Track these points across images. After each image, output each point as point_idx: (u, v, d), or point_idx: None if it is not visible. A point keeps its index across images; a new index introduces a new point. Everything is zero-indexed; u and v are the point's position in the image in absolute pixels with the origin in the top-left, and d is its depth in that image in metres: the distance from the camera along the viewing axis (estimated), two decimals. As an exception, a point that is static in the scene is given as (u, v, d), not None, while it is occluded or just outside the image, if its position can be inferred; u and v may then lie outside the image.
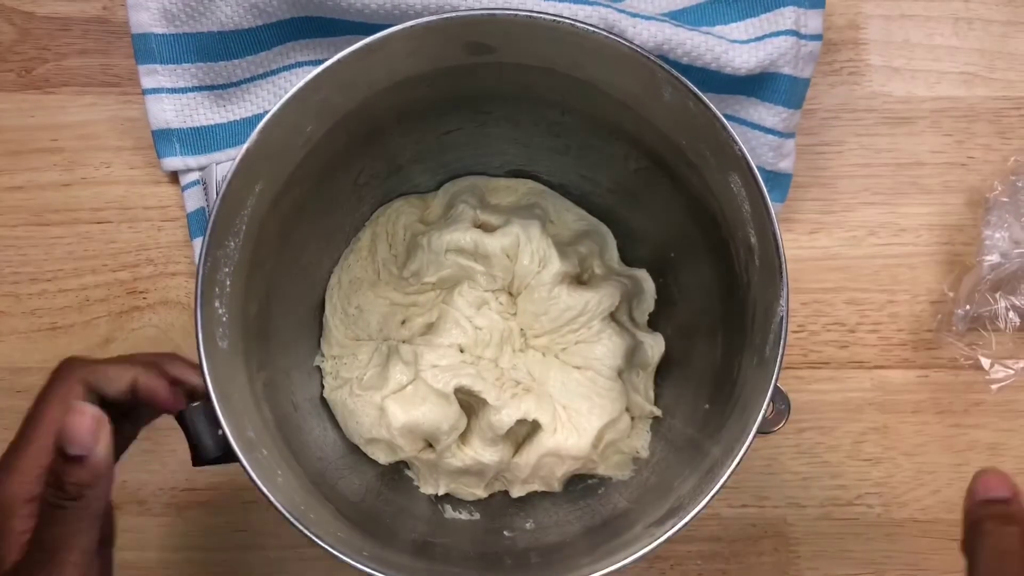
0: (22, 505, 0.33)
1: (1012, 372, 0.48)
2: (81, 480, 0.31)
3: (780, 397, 0.48)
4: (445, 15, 0.33)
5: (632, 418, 0.45)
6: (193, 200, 0.48)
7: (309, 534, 0.32)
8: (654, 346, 0.45)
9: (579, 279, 0.46)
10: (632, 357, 0.45)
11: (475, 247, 0.43)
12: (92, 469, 0.31)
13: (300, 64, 0.47)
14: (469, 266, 0.44)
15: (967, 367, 0.49)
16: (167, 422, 0.48)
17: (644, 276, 0.46)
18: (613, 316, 0.45)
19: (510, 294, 0.44)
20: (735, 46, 0.43)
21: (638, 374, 0.45)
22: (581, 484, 0.45)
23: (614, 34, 0.33)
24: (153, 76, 0.46)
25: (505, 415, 0.41)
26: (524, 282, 0.43)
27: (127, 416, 0.36)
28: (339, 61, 0.33)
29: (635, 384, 0.45)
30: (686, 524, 0.33)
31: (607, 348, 0.43)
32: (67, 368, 0.35)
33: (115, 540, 0.37)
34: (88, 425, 0.31)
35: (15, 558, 0.32)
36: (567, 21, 0.33)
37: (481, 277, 0.44)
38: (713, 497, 0.33)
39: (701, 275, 0.42)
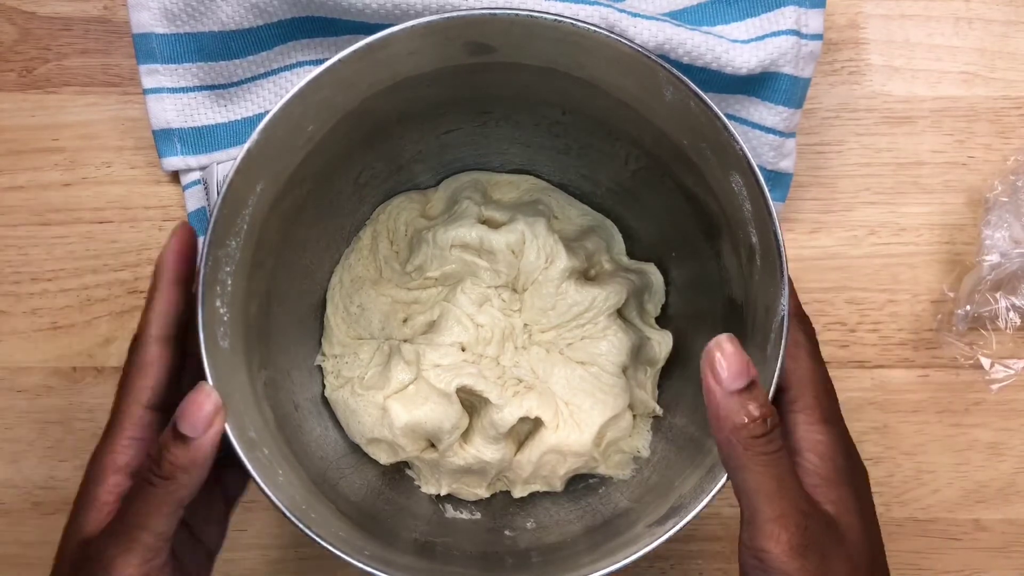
0: (110, 474, 0.33)
1: (1012, 372, 0.48)
2: (177, 461, 0.31)
3: (781, 396, 0.48)
4: (446, 15, 0.33)
5: (634, 416, 0.45)
6: (194, 200, 0.48)
7: (310, 533, 0.32)
8: (662, 343, 0.45)
9: (586, 275, 0.46)
10: (638, 354, 0.45)
11: (480, 243, 0.43)
12: (193, 453, 0.31)
13: (301, 64, 0.47)
14: (473, 262, 0.44)
15: (967, 367, 0.49)
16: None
17: (652, 270, 0.46)
18: (621, 313, 0.45)
19: (513, 290, 0.44)
20: (736, 46, 0.43)
21: (645, 371, 0.45)
22: (582, 483, 0.45)
23: (615, 34, 0.33)
24: (154, 76, 0.46)
25: (507, 413, 0.41)
26: (531, 278, 0.43)
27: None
28: (340, 61, 0.33)
29: (640, 381, 0.45)
30: (687, 523, 0.33)
31: (612, 344, 0.43)
32: (142, 339, 0.35)
33: (218, 552, 0.38)
34: (207, 410, 0.31)
35: (92, 529, 0.32)
36: (568, 21, 0.33)
37: (485, 273, 0.44)
38: (715, 496, 0.33)
39: (702, 274, 0.42)
